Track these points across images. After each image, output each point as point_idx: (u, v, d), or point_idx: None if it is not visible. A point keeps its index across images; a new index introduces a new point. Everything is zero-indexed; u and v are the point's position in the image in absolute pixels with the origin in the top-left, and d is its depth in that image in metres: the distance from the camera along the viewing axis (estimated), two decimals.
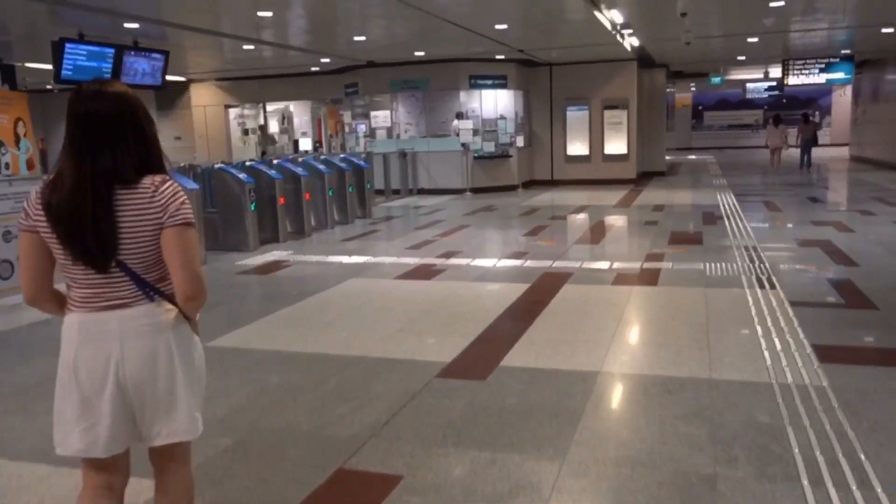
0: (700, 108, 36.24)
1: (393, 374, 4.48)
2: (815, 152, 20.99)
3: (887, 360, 4.44)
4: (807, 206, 12.64)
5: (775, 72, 23.60)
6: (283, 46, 13.63)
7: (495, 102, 17.37)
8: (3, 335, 5.77)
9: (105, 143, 2.00)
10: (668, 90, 22.80)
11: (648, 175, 19.36)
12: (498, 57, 16.24)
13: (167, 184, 2.05)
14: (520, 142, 17.58)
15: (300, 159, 11.79)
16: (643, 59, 17.99)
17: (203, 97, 19.84)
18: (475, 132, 16.68)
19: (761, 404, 3.79)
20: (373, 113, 17.67)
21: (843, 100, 31.08)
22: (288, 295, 6.81)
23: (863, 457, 3.15)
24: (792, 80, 19.92)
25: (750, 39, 15.74)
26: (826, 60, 19.27)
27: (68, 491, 3.01)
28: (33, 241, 2.04)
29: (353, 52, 14.97)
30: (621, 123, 17.81)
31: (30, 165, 8.17)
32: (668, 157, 22.25)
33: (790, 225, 10.52)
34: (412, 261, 8.32)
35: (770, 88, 29.65)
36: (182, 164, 10.23)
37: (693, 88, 33.21)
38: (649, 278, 7.01)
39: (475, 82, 16.91)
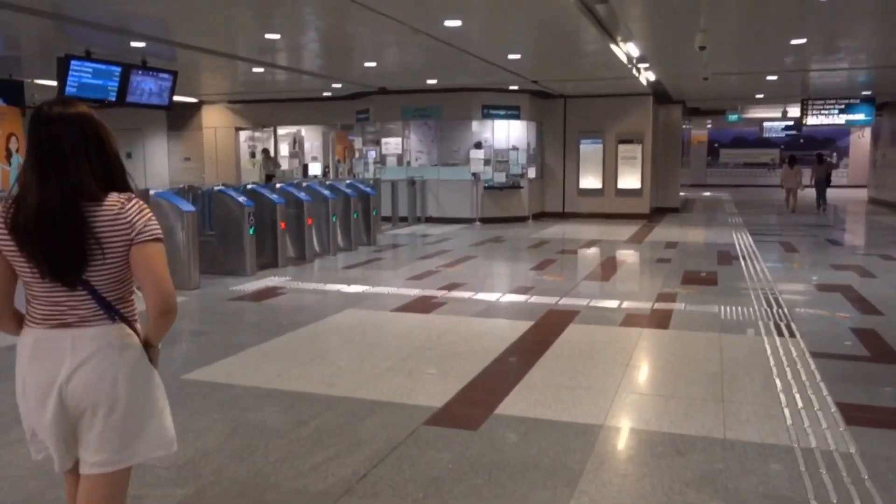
0: (716, 145, 35.97)
1: (377, 419, 4.12)
2: (833, 193, 20.59)
3: None
4: (825, 248, 12.23)
5: (794, 111, 23.29)
6: (292, 70, 13.48)
7: (508, 133, 17.13)
8: None
9: (68, 162, 1.99)
10: (683, 126, 22.54)
11: (662, 211, 19.01)
12: (512, 87, 16.04)
13: (132, 201, 2.05)
14: (531, 173, 17.30)
15: (304, 184, 11.54)
16: (659, 94, 17.75)
17: (214, 119, 19.74)
18: (486, 162, 16.43)
19: (781, 472, 3.39)
20: (384, 140, 17.47)
21: (861, 141, 30.74)
22: (278, 325, 6.48)
23: None
24: (811, 121, 19.56)
25: (769, 77, 15.47)
26: (846, 101, 18.92)
27: None
28: None
29: (365, 78, 14.81)
30: (635, 158, 17.52)
31: None
32: (682, 194, 21.90)
33: (809, 268, 10.12)
34: (412, 292, 7.98)
35: (787, 128, 29.37)
36: (181, 186, 9.98)
37: (709, 125, 32.95)
38: (660, 320, 6.63)
39: (488, 112, 16.69)
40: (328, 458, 3.57)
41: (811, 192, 20.41)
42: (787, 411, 4.19)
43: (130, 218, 2.01)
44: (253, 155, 20.67)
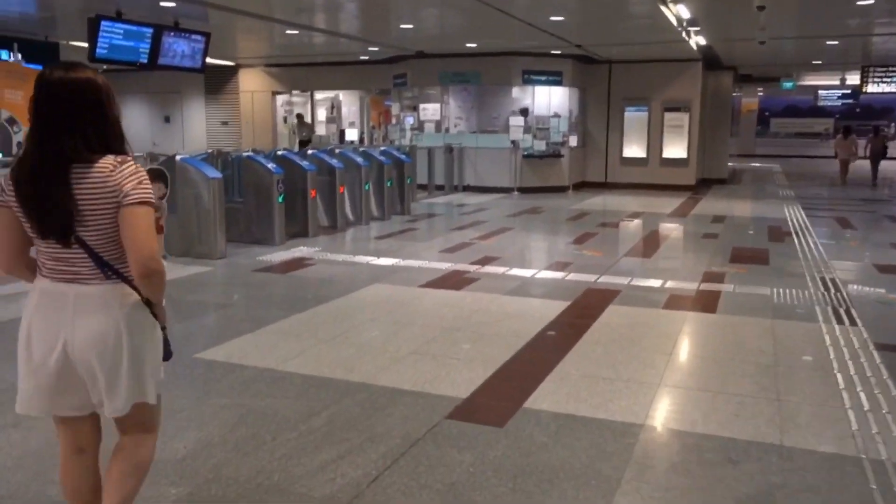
0: (766, 113, 34.67)
1: (396, 410, 3.79)
2: (886, 165, 19.52)
3: None
4: (884, 225, 11.52)
5: (852, 79, 22.13)
6: (326, 32, 13.07)
7: (549, 99, 16.51)
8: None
9: (66, 126, 2.04)
10: (734, 94, 21.58)
11: (708, 182, 18.27)
12: (554, 52, 15.38)
13: (126, 164, 2.08)
14: (573, 141, 16.70)
15: (337, 151, 11.21)
16: (709, 59, 16.91)
17: (251, 83, 19.45)
18: (526, 129, 15.88)
19: (849, 489, 2.98)
20: (422, 105, 16.98)
21: None
22: (302, 300, 6.19)
23: None
24: (871, 88, 18.55)
25: (829, 42, 14.56)
26: None
27: None
28: (8, 215, 2.11)
29: (402, 41, 14.32)
30: (682, 127, 16.77)
31: None
32: (730, 164, 21.05)
33: (868, 246, 9.48)
34: (444, 266, 7.63)
35: (844, 96, 28.08)
36: (210, 151, 9.72)
37: (761, 93, 31.65)
38: (707, 303, 6.17)
39: (529, 77, 16.06)
40: (339, 456, 3.26)
41: (862, 165, 19.42)
42: (851, 414, 3.75)
43: (121, 179, 2.04)
44: (286, 120, 20.36)
